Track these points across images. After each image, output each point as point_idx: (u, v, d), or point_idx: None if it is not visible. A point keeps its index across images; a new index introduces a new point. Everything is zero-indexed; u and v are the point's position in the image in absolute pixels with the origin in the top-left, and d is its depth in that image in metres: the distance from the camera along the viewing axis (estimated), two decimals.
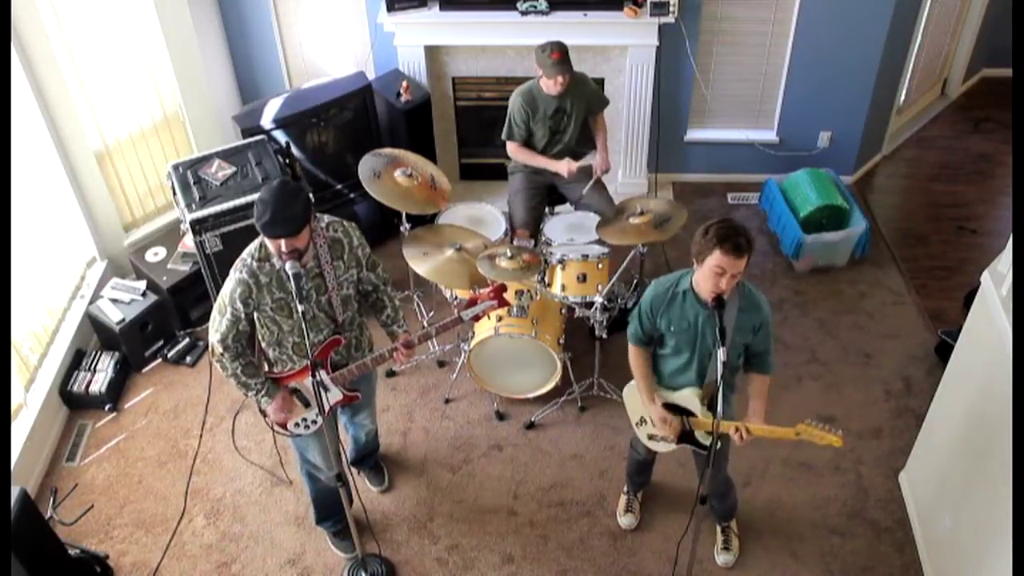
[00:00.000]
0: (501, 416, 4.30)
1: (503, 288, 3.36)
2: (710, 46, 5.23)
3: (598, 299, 4.01)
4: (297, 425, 3.25)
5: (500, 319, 4.00)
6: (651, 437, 3.36)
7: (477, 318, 3.35)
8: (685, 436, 3.23)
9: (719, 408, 2.84)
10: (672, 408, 3.16)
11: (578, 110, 4.32)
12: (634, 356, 3.17)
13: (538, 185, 4.52)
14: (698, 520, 3.09)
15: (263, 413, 3.25)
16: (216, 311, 3.01)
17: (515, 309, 4.01)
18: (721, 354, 2.74)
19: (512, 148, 4.43)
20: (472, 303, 3.28)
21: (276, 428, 3.26)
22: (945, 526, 3.43)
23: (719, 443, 3.13)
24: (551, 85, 4.15)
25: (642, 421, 3.34)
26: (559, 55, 4.06)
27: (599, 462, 4.08)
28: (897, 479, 3.95)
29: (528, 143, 4.39)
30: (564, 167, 4.29)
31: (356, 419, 3.66)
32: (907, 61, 5.52)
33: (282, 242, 2.79)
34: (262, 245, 2.93)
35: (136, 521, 3.91)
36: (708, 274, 2.78)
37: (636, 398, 3.30)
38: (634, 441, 3.64)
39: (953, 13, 5.92)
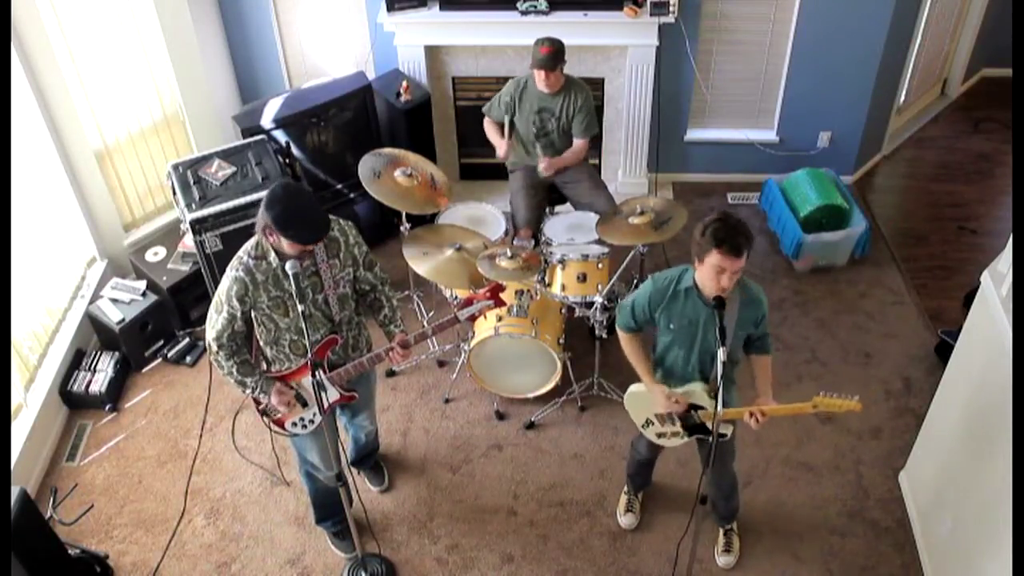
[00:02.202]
0: (501, 416, 4.30)
1: (499, 288, 3.35)
2: (710, 46, 5.23)
3: (598, 299, 4.01)
4: (295, 424, 3.25)
5: (500, 319, 4.00)
6: (661, 435, 3.36)
7: (473, 318, 3.35)
8: (696, 428, 3.23)
9: (719, 404, 2.84)
10: None
11: (565, 117, 4.35)
12: (627, 343, 3.18)
13: (537, 183, 4.53)
14: (698, 520, 3.09)
15: (262, 413, 3.25)
16: (213, 309, 3.01)
17: (515, 309, 4.01)
18: (721, 354, 2.74)
19: (485, 123, 4.54)
20: (468, 303, 3.28)
21: (274, 428, 3.27)
22: (945, 526, 3.43)
23: (724, 438, 3.16)
24: (539, 79, 4.22)
25: (648, 423, 3.34)
26: (548, 50, 4.12)
27: (599, 462, 4.08)
28: (897, 479, 3.95)
29: (521, 139, 4.43)
30: (504, 146, 4.39)
31: (356, 420, 3.66)
32: (907, 61, 5.52)
33: (309, 245, 2.84)
34: (258, 243, 2.93)
35: (136, 521, 3.91)
36: (710, 273, 2.79)
37: (638, 402, 3.30)
38: (635, 441, 3.64)
39: (953, 13, 5.92)
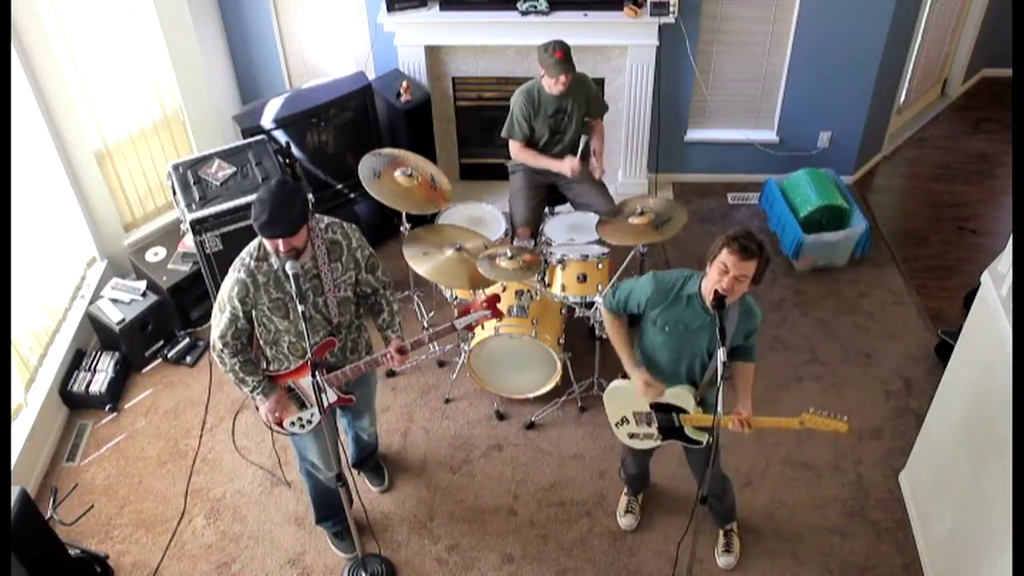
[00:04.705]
0: (501, 416, 4.30)
1: (497, 298, 3.36)
2: (710, 46, 5.23)
3: (598, 299, 4.00)
4: (293, 424, 3.27)
5: (500, 319, 3.99)
6: (633, 436, 3.36)
7: (471, 327, 3.35)
8: (672, 432, 3.24)
9: (719, 405, 2.84)
10: (662, 407, 3.17)
11: (578, 111, 4.32)
12: (612, 323, 3.20)
13: (538, 184, 4.52)
14: (698, 520, 3.09)
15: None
16: (216, 308, 3.05)
17: (515, 309, 4.01)
18: (721, 354, 2.75)
19: (515, 148, 4.42)
20: (465, 312, 3.29)
21: (273, 427, 3.28)
22: (945, 526, 3.43)
23: (699, 446, 3.17)
24: (553, 84, 4.14)
25: (623, 421, 3.34)
26: (562, 54, 4.06)
27: (599, 462, 4.08)
28: (897, 479, 3.95)
29: (529, 142, 4.39)
30: (567, 166, 4.29)
31: (357, 424, 3.68)
32: (907, 61, 5.51)
33: (280, 242, 2.82)
34: (261, 245, 2.95)
35: (136, 521, 3.91)
36: (714, 271, 2.83)
37: (617, 398, 3.31)
38: (623, 458, 3.68)
39: (953, 13, 5.92)
